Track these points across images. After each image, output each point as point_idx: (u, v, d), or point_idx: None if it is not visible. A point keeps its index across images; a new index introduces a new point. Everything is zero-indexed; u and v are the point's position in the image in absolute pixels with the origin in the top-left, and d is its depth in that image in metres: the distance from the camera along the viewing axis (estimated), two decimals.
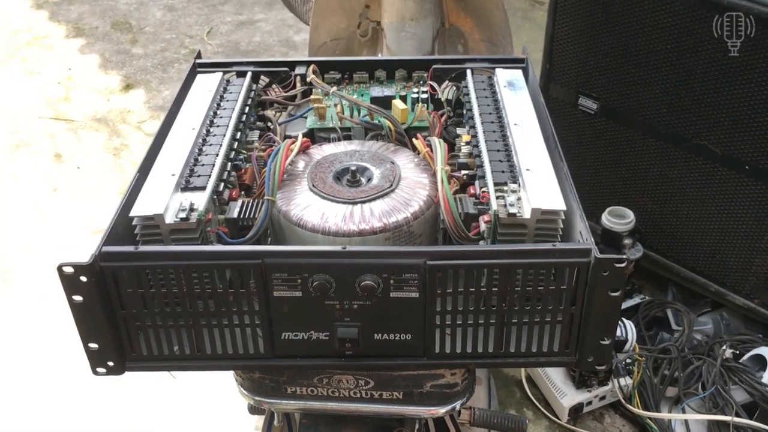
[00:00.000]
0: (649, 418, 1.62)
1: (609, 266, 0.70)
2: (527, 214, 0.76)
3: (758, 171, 1.53)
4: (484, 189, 0.81)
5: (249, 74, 1.04)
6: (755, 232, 1.61)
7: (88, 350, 0.77)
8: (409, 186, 0.86)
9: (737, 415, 1.52)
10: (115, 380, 0.84)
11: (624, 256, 0.69)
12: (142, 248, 0.73)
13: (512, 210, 0.76)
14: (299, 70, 1.06)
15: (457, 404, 0.85)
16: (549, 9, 1.74)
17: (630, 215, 1.58)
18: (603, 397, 1.66)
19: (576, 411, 1.65)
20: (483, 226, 0.79)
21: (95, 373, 0.78)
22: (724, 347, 1.64)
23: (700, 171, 1.63)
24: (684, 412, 1.59)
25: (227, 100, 0.99)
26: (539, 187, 0.79)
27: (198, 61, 1.08)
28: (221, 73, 1.05)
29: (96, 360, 0.77)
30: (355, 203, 0.83)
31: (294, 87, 1.05)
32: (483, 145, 0.87)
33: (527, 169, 0.82)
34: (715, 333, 1.76)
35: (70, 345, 1.83)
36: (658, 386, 1.65)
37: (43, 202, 2.34)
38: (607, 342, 0.75)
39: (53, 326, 1.94)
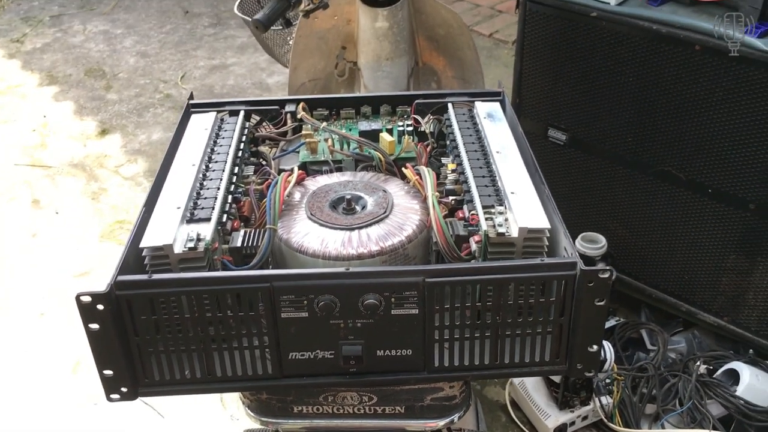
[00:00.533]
0: None
1: (594, 277, 0.76)
2: (515, 233, 0.82)
3: (720, 194, 1.62)
4: (473, 212, 0.87)
5: (242, 113, 1.10)
6: (721, 252, 1.69)
7: (103, 377, 0.80)
8: (402, 212, 0.91)
9: (714, 428, 1.58)
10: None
11: (608, 267, 0.75)
12: (156, 276, 0.77)
13: (501, 230, 0.82)
14: (289, 108, 1.12)
15: (455, 417, 0.90)
16: (516, 46, 1.83)
17: (602, 240, 1.66)
18: (585, 417, 1.71)
19: None
20: (474, 246, 0.84)
21: (109, 399, 0.82)
22: (698, 363, 1.70)
23: (666, 196, 1.72)
24: (663, 427, 1.65)
25: (223, 138, 1.04)
26: (524, 208, 0.85)
27: (191, 101, 1.13)
28: (215, 113, 1.10)
29: (110, 386, 0.81)
30: (353, 229, 0.88)
31: (285, 124, 1.11)
32: (469, 171, 0.93)
33: (512, 192, 0.88)
34: (688, 351, 1.83)
35: (50, 391, 1.83)
36: (637, 404, 1.71)
37: (23, 247, 2.35)
38: (594, 349, 0.81)
39: (34, 372, 1.94)
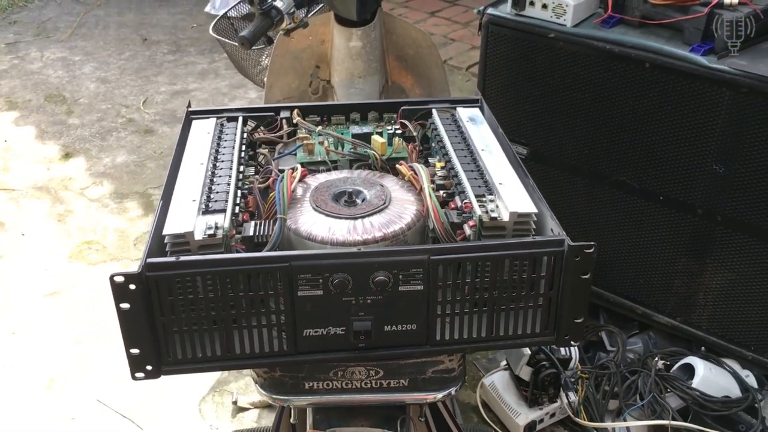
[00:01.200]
0: (596, 429, 1.77)
1: (580, 252, 0.85)
2: (506, 217, 0.91)
3: (671, 200, 1.75)
4: (466, 201, 0.96)
5: (240, 118, 1.17)
6: (672, 255, 1.81)
7: (129, 356, 0.85)
8: (400, 203, 0.99)
9: (674, 419, 1.69)
10: None
11: (593, 243, 0.84)
12: (183, 258, 0.83)
13: (493, 214, 0.91)
14: (284, 114, 1.20)
15: (453, 389, 0.97)
16: (479, 67, 1.94)
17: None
18: (553, 414, 1.80)
19: (530, 429, 1.78)
20: (468, 231, 0.93)
21: (134, 378, 0.87)
22: (656, 359, 1.82)
23: (621, 204, 1.84)
24: (626, 421, 1.75)
25: (225, 140, 1.11)
26: (512, 195, 0.94)
27: (190, 109, 1.19)
28: (215, 118, 1.17)
29: (136, 365, 0.86)
30: (356, 218, 0.95)
31: (281, 128, 1.18)
32: (459, 166, 1.02)
33: (500, 183, 0.97)
34: (645, 351, 1.95)
35: (27, 408, 1.84)
36: (600, 400, 1.81)
37: None
38: (580, 320, 0.90)
39: (9, 390, 1.94)
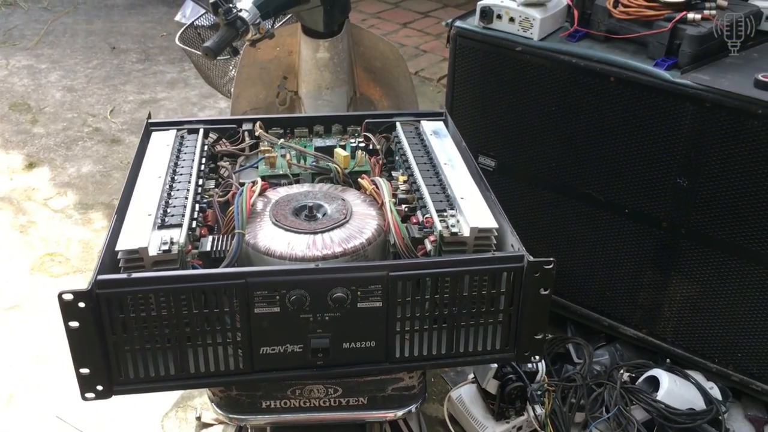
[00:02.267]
0: None
1: (539, 268, 0.85)
2: (467, 233, 0.90)
3: (636, 213, 1.76)
4: (427, 216, 0.95)
5: (201, 131, 1.15)
6: (638, 268, 1.82)
7: (79, 376, 0.83)
8: (361, 218, 0.98)
9: (639, 431, 1.69)
10: None
11: (552, 259, 0.84)
12: (135, 275, 0.81)
13: (454, 230, 0.91)
14: (246, 126, 1.18)
15: (413, 406, 0.96)
16: (448, 79, 1.94)
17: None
18: (520, 428, 1.79)
19: None
20: (429, 246, 0.92)
21: (84, 398, 0.84)
22: (621, 372, 1.82)
23: (587, 217, 1.84)
24: None
25: (185, 153, 1.09)
26: (473, 210, 0.94)
27: (150, 120, 1.17)
28: (175, 130, 1.15)
29: (86, 385, 0.84)
30: (316, 233, 0.94)
31: (243, 141, 1.16)
32: (421, 180, 1.01)
33: (461, 198, 0.96)
34: (612, 363, 1.95)
35: None
36: (567, 413, 1.80)
37: None
38: (540, 336, 0.89)
39: None
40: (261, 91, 1.78)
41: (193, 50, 2.06)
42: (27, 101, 3.38)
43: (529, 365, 1.77)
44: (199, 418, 1.85)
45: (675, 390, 1.74)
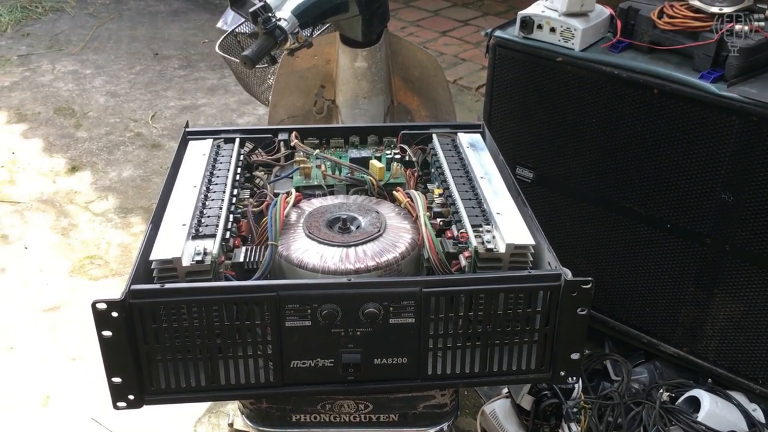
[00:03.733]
0: None
1: (577, 287, 0.82)
2: (502, 249, 0.88)
3: (678, 229, 1.71)
4: (462, 230, 0.93)
5: (237, 140, 1.15)
6: (679, 285, 1.78)
7: (111, 384, 0.83)
8: (395, 231, 0.97)
9: None
10: None
11: (590, 279, 0.81)
12: (168, 285, 0.81)
13: (489, 246, 0.89)
14: (282, 136, 1.18)
15: (445, 425, 0.94)
16: (486, 89, 1.92)
17: (567, 274, 1.73)
18: None
19: None
20: (464, 262, 0.91)
21: (116, 407, 0.84)
22: (661, 391, 1.78)
23: (627, 231, 1.81)
24: None
25: (221, 162, 1.09)
26: (510, 226, 0.92)
27: (187, 129, 1.18)
28: (211, 139, 1.15)
29: (118, 394, 0.84)
30: (350, 246, 0.93)
31: (278, 151, 1.16)
32: (456, 194, 1.00)
33: (498, 213, 0.95)
34: (650, 381, 1.90)
35: (20, 426, 1.82)
36: None
37: None
38: (577, 356, 0.87)
39: (3, 407, 1.92)
40: (298, 100, 1.79)
41: (232, 58, 2.08)
42: (72, 106, 3.44)
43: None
44: (231, 425, 1.85)
45: (716, 411, 1.68)
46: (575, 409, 1.77)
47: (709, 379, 1.80)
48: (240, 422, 1.85)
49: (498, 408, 1.81)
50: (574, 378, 0.88)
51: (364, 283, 0.83)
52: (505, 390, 1.85)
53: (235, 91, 3.50)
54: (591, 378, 1.94)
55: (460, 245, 0.93)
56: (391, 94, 1.76)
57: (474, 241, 0.89)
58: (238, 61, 2.09)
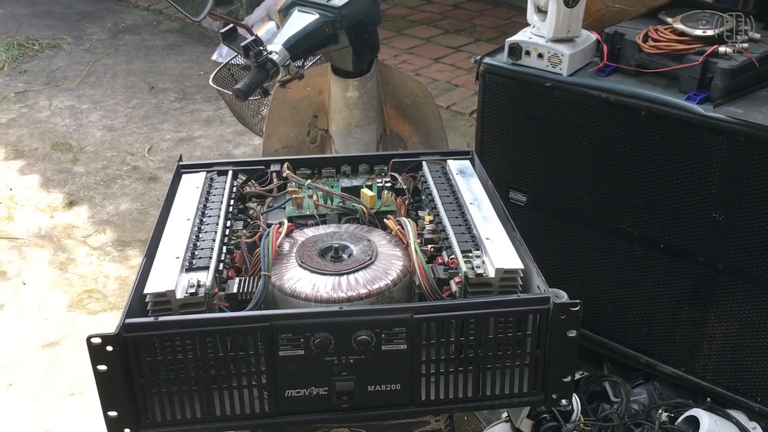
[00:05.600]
0: None
1: (566, 310, 0.84)
2: (492, 274, 0.90)
3: (672, 248, 1.72)
4: (452, 256, 0.95)
5: (230, 172, 1.17)
6: (675, 305, 1.78)
7: (107, 419, 0.84)
8: (386, 258, 0.98)
9: None
10: None
11: (578, 301, 0.83)
12: (162, 318, 0.82)
13: (479, 271, 0.90)
14: (274, 167, 1.20)
15: None
16: (477, 114, 1.95)
17: (563, 295, 1.74)
18: None
19: None
20: (454, 287, 0.92)
21: None
22: (660, 411, 1.78)
23: (621, 252, 1.82)
24: None
25: (214, 195, 1.11)
26: (499, 251, 0.93)
27: (181, 163, 1.20)
28: (204, 172, 1.17)
29: (114, 427, 0.84)
30: (341, 274, 0.94)
31: (271, 182, 1.18)
32: (446, 221, 1.01)
33: (487, 238, 0.96)
34: (650, 401, 1.90)
35: None
36: None
37: None
38: (568, 379, 0.88)
39: None
40: (292, 130, 1.81)
41: (226, 91, 2.10)
42: (69, 141, 3.47)
43: (565, 403, 1.73)
44: None
45: (715, 430, 1.68)
46: (575, 431, 1.76)
47: (708, 398, 1.80)
48: None
49: (499, 430, 1.81)
50: (565, 402, 0.88)
51: (355, 311, 0.84)
52: (505, 414, 1.85)
53: (231, 122, 3.53)
54: (590, 400, 1.94)
55: (450, 271, 0.94)
56: (383, 122, 1.78)
57: (464, 267, 0.91)
58: (231, 93, 2.11)
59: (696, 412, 1.73)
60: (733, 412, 1.75)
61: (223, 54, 4.13)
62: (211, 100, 3.82)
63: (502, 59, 1.82)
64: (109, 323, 2.27)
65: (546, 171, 1.86)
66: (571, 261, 1.91)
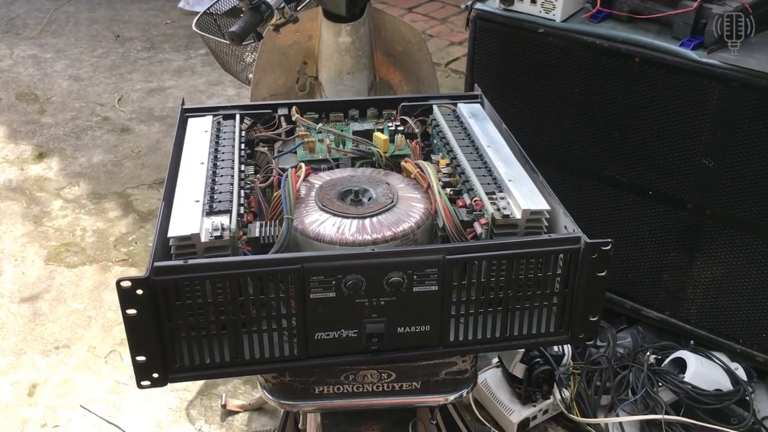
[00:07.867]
0: (589, 425, 1.77)
1: (597, 250, 0.84)
2: (518, 215, 0.89)
3: (660, 195, 1.75)
4: (475, 198, 0.94)
5: (237, 116, 1.14)
6: (661, 250, 1.82)
7: (135, 363, 0.82)
8: (407, 201, 0.97)
9: (667, 413, 1.69)
10: None
11: (609, 240, 0.83)
12: (192, 261, 0.80)
13: (506, 212, 0.90)
14: (281, 111, 1.17)
15: (464, 391, 0.96)
16: (467, 62, 1.93)
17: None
18: (546, 411, 1.80)
19: (523, 426, 1.78)
20: (479, 229, 0.91)
21: (140, 386, 0.84)
22: (647, 353, 1.82)
23: (610, 199, 1.84)
24: (618, 416, 1.75)
25: (224, 138, 1.07)
26: (523, 192, 0.93)
27: (185, 107, 1.16)
28: (211, 116, 1.13)
29: (142, 372, 0.83)
30: (365, 217, 0.93)
31: (279, 126, 1.15)
32: (466, 163, 1.00)
33: (509, 180, 0.95)
34: (634, 346, 1.95)
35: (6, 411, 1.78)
36: (593, 396, 1.80)
37: None
38: (595, 318, 0.88)
39: None
40: (281, 77, 1.77)
41: (211, 36, 2.04)
42: (34, 91, 3.35)
43: (556, 348, 1.77)
44: (224, 406, 1.85)
45: (702, 371, 1.74)
46: (565, 375, 1.80)
47: (692, 341, 1.86)
48: (232, 403, 1.86)
49: (489, 377, 1.85)
50: (592, 341, 0.89)
51: (387, 252, 0.83)
52: (495, 359, 1.88)
53: (203, 73, 3.45)
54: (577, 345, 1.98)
55: (474, 213, 0.93)
56: (373, 69, 1.75)
57: (490, 208, 0.90)
58: (217, 39, 2.05)
59: (683, 353, 1.79)
60: (715, 354, 1.81)
61: (190, 2, 4.01)
62: (180, 49, 3.72)
63: (493, 5, 1.80)
64: (90, 276, 2.23)
65: (537, 119, 1.86)
66: None
